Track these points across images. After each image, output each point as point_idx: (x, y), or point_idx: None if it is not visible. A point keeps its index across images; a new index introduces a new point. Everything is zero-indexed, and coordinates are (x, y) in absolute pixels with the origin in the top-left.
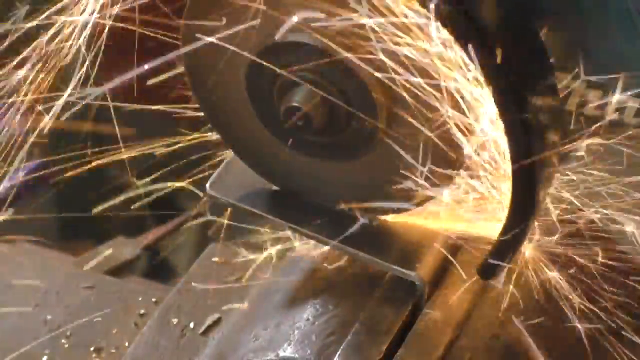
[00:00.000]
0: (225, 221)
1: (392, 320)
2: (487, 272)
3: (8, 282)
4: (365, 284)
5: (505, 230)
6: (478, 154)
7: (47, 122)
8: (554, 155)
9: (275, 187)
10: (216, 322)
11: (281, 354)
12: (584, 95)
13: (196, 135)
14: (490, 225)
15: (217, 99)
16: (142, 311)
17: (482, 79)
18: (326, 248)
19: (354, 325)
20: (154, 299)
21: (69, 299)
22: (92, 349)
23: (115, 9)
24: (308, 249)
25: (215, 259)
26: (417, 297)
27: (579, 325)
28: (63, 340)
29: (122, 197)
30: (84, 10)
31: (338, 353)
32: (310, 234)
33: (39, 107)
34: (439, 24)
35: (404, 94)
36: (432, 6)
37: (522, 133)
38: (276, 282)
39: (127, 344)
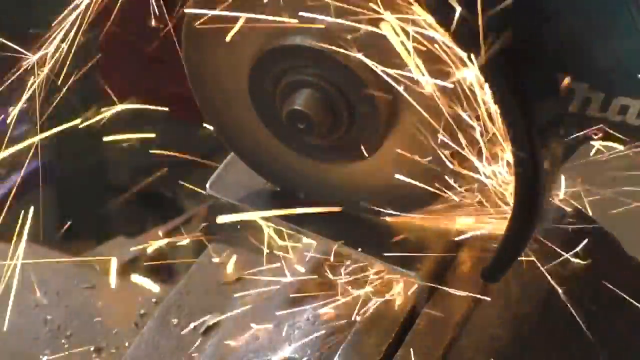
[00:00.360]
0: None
1: (392, 320)
2: (490, 275)
3: (8, 283)
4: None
5: (508, 237)
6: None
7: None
8: (557, 165)
9: (275, 187)
10: (216, 323)
11: (281, 354)
12: (586, 96)
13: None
14: (490, 225)
15: (218, 101)
16: (142, 311)
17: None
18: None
19: (354, 325)
20: (154, 299)
21: (69, 299)
22: (92, 349)
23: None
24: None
25: (215, 259)
26: (418, 297)
27: None
28: (63, 341)
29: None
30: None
31: (338, 353)
32: (311, 233)
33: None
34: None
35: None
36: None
37: (529, 148)
38: (276, 282)
39: (127, 344)
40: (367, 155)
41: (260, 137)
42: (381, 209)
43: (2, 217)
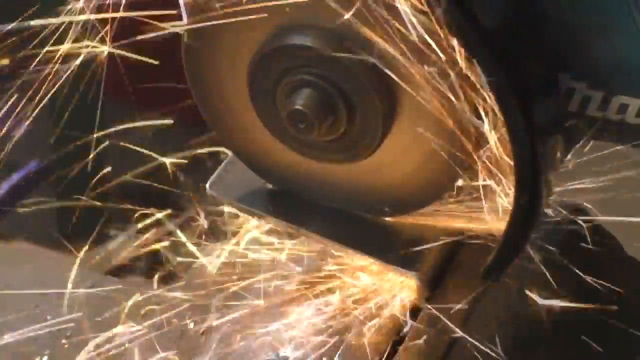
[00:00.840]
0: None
1: (392, 320)
2: (490, 275)
3: (8, 283)
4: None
5: (507, 236)
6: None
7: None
8: (556, 165)
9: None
10: (216, 322)
11: (281, 354)
12: (586, 95)
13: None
14: (490, 221)
15: (217, 101)
16: (142, 311)
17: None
18: None
19: (354, 325)
20: (154, 299)
21: (69, 299)
22: (92, 349)
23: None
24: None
25: (216, 258)
26: (418, 297)
27: None
28: (63, 341)
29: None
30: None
31: (338, 353)
32: (311, 233)
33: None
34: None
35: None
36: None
37: (529, 148)
38: (276, 282)
39: (127, 344)
40: (366, 155)
41: (260, 137)
42: (381, 209)
43: (2, 217)
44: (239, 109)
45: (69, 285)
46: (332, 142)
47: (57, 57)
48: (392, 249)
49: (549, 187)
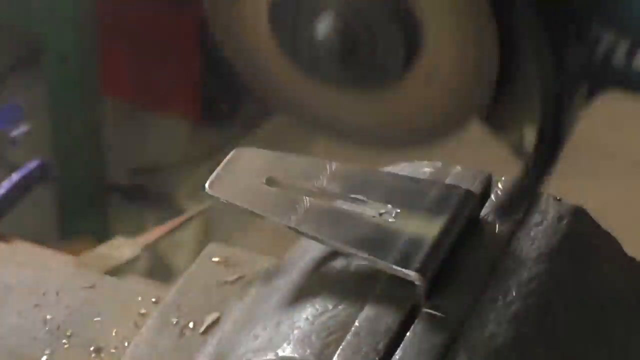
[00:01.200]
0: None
1: (391, 320)
2: (511, 206)
3: (7, 283)
4: (365, 283)
5: (533, 163)
6: None
7: None
8: (581, 95)
9: (275, 188)
10: (216, 322)
11: (281, 353)
12: (613, 44)
13: None
14: None
15: (237, 28)
16: (142, 311)
17: None
18: None
19: (353, 325)
20: (154, 299)
21: (69, 299)
22: (92, 349)
23: None
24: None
25: (215, 258)
26: (417, 297)
27: None
28: (63, 341)
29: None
30: None
31: (338, 353)
32: (310, 234)
33: None
34: None
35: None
36: None
37: (552, 69)
38: (276, 282)
39: (126, 343)
40: (388, 85)
41: (282, 67)
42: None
43: (2, 217)
44: (259, 38)
45: (69, 285)
46: (354, 71)
47: None
48: (392, 249)
49: (573, 122)
